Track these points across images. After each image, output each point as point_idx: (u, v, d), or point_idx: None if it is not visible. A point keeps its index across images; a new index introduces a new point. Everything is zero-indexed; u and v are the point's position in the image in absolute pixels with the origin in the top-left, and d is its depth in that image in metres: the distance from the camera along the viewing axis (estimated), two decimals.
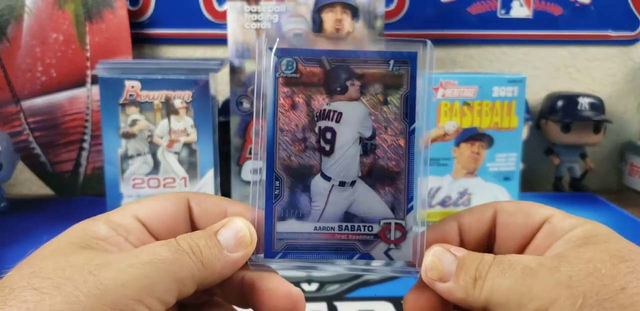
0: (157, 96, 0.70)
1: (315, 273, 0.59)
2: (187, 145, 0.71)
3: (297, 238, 0.31)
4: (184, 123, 0.71)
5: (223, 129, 0.76)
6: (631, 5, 0.92)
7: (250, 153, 0.78)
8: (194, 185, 0.72)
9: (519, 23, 0.92)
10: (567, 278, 0.25)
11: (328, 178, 0.31)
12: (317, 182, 0.31)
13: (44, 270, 0.25)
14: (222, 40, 0.79)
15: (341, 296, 0.55)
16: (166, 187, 0.72)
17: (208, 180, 0.72)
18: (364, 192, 0.31)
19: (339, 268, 0.32)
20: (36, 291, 0.24)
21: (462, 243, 0.32)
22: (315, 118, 0.31)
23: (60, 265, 0.25)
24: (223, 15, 0.84)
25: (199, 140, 0.71)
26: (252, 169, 0.31)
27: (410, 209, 0.31)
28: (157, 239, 0.30)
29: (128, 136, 0.71)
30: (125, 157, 0.71)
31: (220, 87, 0.80)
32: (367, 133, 0.31)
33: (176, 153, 0.72)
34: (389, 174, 0.31)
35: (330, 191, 0.31)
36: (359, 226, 0.31)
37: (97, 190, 0.83)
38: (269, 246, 0.31)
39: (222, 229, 0.30)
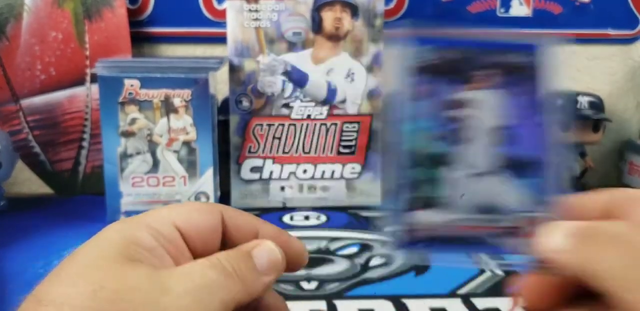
0: (156, 95, 0.70)
1: (319, 271, 0.59)
2: (186, 143, 0.71)
3: (432, 229, 0.30)
4: (183, 121, 0.71)
5: (222, 128, 0.76)
6: (631, 4, 0.92)
7: (249, 152, 0.78)
8: (194, 183, 0.72)
9: (518, 22, 0.91)
10: None
11: (463, 168, 0.30)
12: (452, 172, 0.30)
13: (104, 290, 0.24)
14: (221, 39, 0.79)
15: (341, 295, 0.55)
16: (165, 186, 0.72)
17: (207, 179, 0.72)
18: (500, 183, 0.30)
19: (477, 262, 0.30)
20: None
21: None
22: (449, 107, 0.30)
23: (121, 286, 0.25)
24: (222, 13, 0.84)
25: (198, 139, 0.71)
26: (383, 164, 0.30)
27: (547, 202, 0.29)
28: (190, 250, 0.30)
29: (127, 135, 0.71)
30: (125, 156, 0.71)
31: (220, 85, 0.80)
32: (503, 123, 0.30)
33: (175, 151, 0.72)
34: (526, 165, 0.30)
35: (464, 181, 0.30)
36: (493, 218, 0.30)
37: (96, 188, 0.83)
38: (406, 237, 0.29)
39: (255, 250, 0.29)
